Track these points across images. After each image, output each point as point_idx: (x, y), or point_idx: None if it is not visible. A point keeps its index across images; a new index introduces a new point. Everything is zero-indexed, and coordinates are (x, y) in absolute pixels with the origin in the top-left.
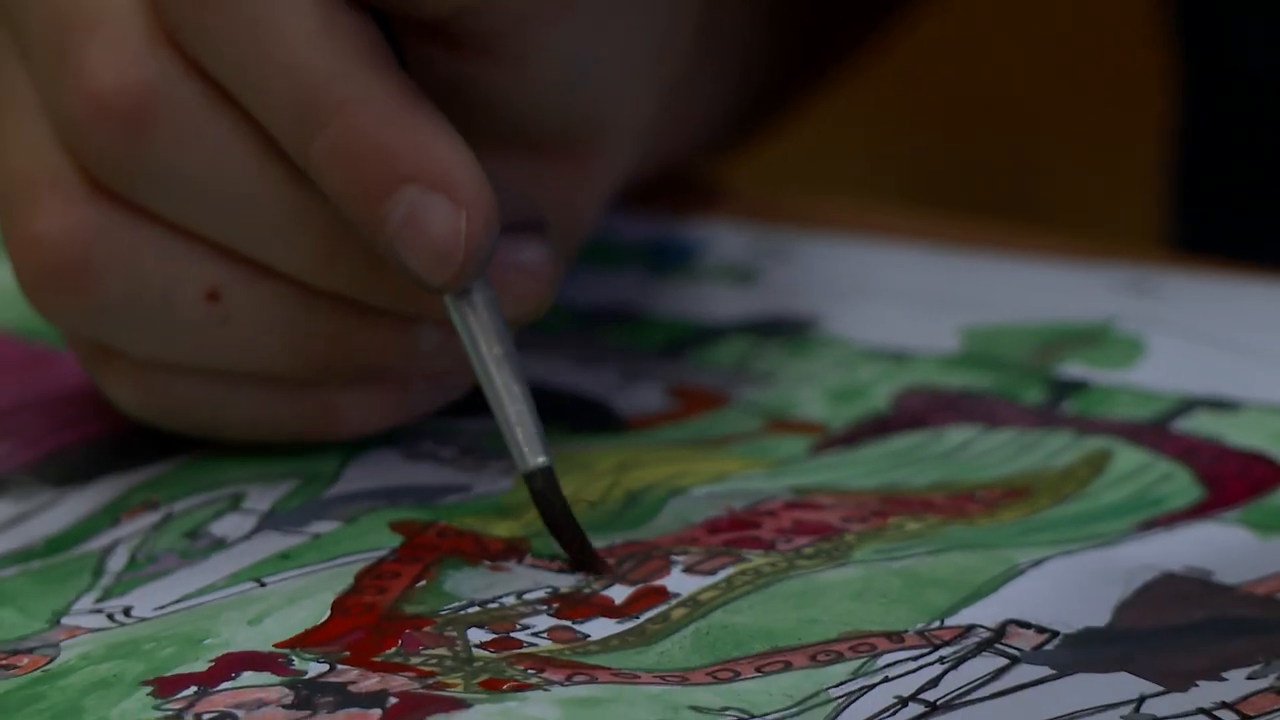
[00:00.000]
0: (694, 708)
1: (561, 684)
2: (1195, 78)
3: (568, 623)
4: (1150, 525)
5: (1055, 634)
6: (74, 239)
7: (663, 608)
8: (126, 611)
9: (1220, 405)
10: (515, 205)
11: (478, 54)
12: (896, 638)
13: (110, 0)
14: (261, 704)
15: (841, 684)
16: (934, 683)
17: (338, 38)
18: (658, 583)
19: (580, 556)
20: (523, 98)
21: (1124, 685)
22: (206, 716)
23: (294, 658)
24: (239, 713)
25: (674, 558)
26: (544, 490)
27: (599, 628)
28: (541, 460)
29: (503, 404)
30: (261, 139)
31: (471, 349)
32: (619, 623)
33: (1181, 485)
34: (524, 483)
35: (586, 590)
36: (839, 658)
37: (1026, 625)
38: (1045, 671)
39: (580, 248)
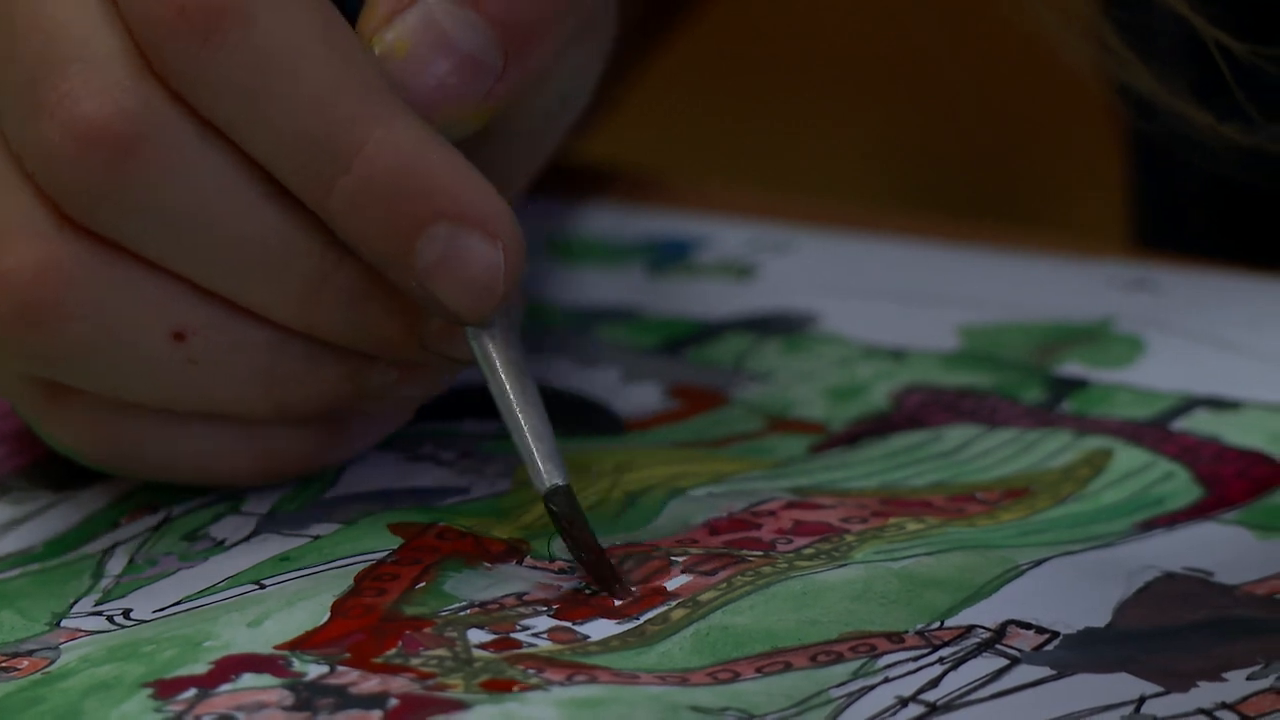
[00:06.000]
0: (694, 708)
1: (561, 684)
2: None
3: (568, 623)
4: (1150, 525)
5: (1055, 634)
6: (44, 277)
7: (663, 608)
8: (126, 614)
9: (1220, 405)
10: None
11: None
12: (897, 638)
13: (89, 35)
14: (262, 706)
15: (842, 684)
16: (934, 683)
17: (356, 76)
18: (658, 583)
19: (602, 577)
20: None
21: (1124, 685)
22: (207, 718)
23: (294, 659)
24: (239, 715)
25: (674, 558)
26: (563, 511)
27: (599, 628)
28: (558, 481)
29: (520, 425)
30: (253, 177)
31: (490, 373)
32: (619, 623)
33: (1181, 485)
34: (526, 488)
35: (587, 591)
36: (839, 658)
37: (1027, 626)
38: (1045, 672)
39: None
